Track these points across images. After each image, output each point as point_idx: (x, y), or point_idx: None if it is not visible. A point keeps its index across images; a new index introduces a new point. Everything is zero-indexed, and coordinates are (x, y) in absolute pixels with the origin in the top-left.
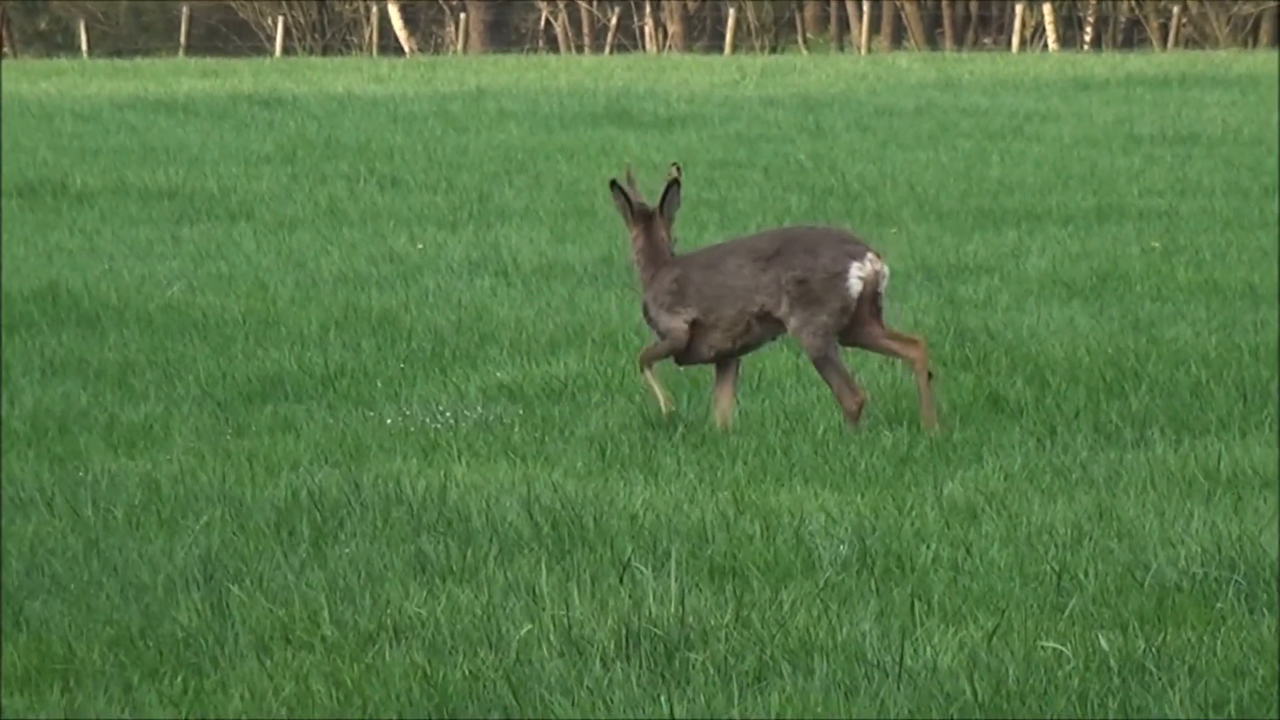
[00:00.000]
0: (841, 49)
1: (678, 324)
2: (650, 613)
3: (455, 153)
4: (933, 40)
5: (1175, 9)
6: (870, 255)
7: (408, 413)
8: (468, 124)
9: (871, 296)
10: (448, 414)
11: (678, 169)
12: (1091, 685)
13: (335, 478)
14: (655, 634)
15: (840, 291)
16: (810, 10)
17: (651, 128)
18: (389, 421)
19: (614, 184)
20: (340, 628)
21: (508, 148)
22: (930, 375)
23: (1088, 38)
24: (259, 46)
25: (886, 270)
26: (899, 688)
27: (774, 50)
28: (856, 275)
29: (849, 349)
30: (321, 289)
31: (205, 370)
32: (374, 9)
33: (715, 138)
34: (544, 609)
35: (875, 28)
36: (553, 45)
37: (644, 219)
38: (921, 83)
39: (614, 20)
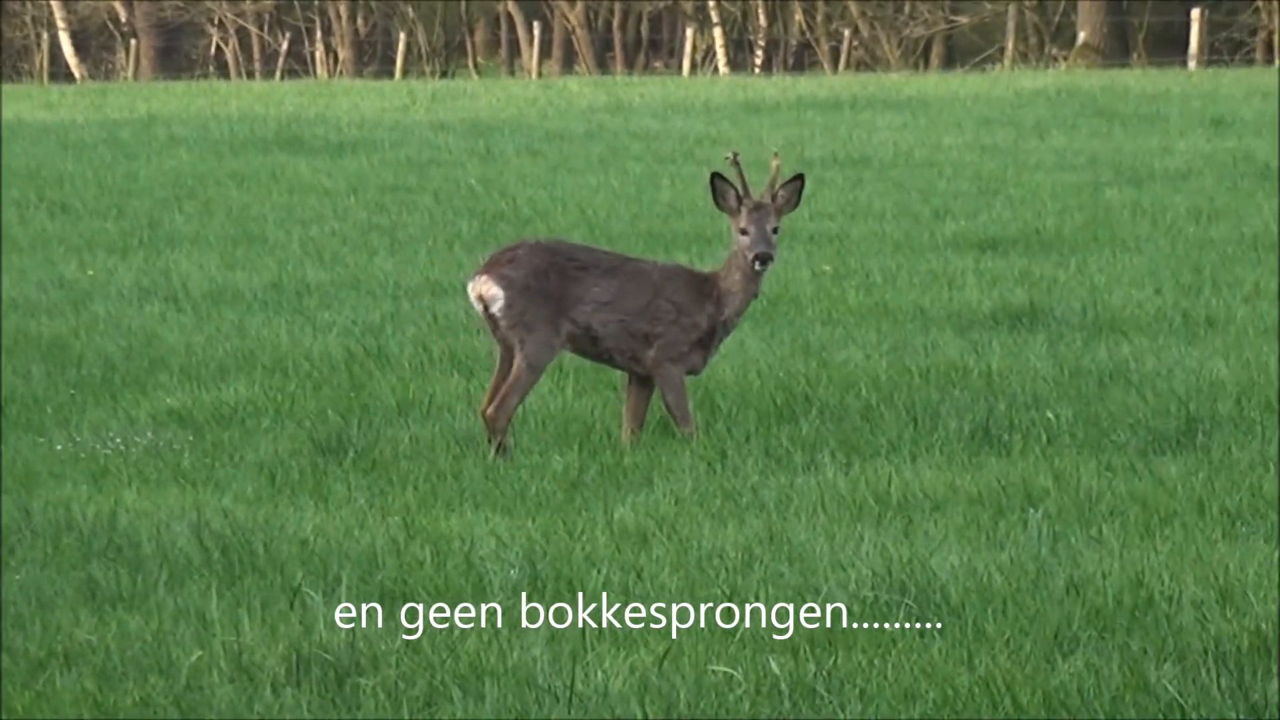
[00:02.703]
0: (513, 73)
1: None
2: (320, 638)
3: (125, 179)
4: (604, 64)
5: (846, 32)
6: (480, 278)
7: (78, 439)
8: (138, 150)
9: (497, 318)
10: (118, 440)
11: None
12: (762, 709)
13: (5, 504)
14: (325, 660)
15: None
16: (481, 34)
17: (322, 153)
18: (59, 448)
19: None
20: (10, 655)
21: (178, 174)
22: (497, 446)
23: (758, 61)
24: None
25: (492, 298)
26: (570, 712)
27: (445, 75)
28: (469, 291)
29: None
30: None
31: None
32: (44, 36)
33: (385, 163)
34: (214, 635)
35: (546, 52)
36: (223, 71)
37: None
38: (592, 106)
39: (284, 46)
